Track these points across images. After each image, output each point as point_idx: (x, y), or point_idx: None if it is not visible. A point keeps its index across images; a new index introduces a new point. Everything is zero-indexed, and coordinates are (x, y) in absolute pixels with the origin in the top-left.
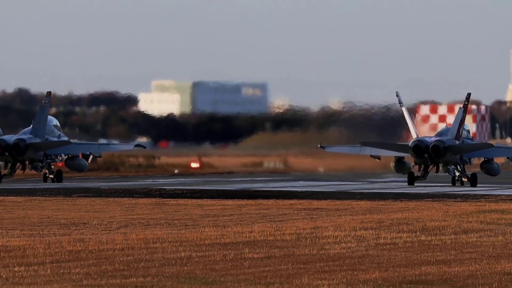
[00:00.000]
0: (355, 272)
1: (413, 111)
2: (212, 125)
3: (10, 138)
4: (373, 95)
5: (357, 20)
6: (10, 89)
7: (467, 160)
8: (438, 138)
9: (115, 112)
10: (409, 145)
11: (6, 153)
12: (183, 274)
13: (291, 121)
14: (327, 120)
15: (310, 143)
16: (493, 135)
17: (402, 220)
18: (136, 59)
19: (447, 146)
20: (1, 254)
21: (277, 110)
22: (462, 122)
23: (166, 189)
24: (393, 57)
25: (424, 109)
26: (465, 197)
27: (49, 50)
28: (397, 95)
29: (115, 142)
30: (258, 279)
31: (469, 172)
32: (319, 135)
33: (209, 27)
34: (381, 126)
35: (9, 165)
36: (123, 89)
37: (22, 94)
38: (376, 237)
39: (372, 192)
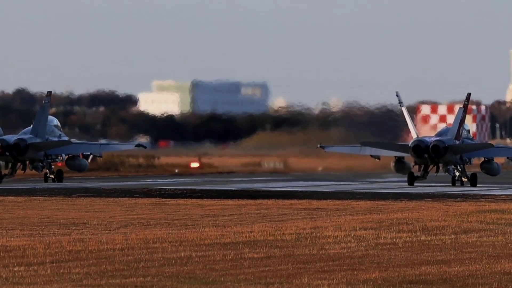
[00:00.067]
0: (355, 272)
1: (413, 111)
2: (212, 125)
3: (11, 138)
4: (373, 95)
5: (357, 20)
6: (10, 89)
7: (467, 160)
8: (438, 138)
9: (115, 112)
10: (409, 145)
11: (7, 153)
12: (183, 274)
13: (291, 121)
14: (327, 120)
15: (310, 143)
16: (493, 135)
17: (402, 220)
18: (136, 59)
19: (447, 146)
20: (1, 254)
21: (277, 110)
22: (462, 122)
23: (166, 189)
24: (393, 57)
25: (424, 109)
26: (465, 197)
27: (49, 50)
28: (397, 95)
29: (115, 142)
30: (258, 279)
31: (469, 172)
32: (319, 135)
33: (209, 27)
34: (381, 126)
35: (10, 165)
36: (123, 89)
37: (22, 94)
38: (376, 237)
39: (372, 192)
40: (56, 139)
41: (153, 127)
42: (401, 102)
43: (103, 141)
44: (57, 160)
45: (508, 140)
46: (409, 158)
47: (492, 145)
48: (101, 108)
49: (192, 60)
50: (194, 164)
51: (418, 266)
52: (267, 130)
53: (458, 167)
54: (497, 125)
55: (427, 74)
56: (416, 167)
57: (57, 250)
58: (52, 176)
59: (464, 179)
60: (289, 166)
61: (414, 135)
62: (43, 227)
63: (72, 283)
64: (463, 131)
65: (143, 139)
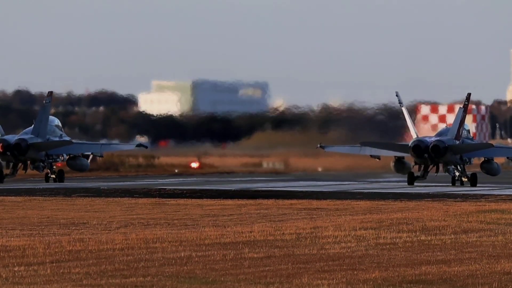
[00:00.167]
0: (355, 272)
1: (413, 111)
2: (212, 125)
3: (12, 138)
4: (373, 95)
5: (357, 20)
6: (9, 89)
7: (467, 160)
8: (438, 138)
9: (115, 112)
10: (409, 145)
11: (8, 153)
12: (183, 274)
13: (291, 121)
14: (327, 120)
15: (310, 143)
16: (493, 135)
17: (402, 220)
18: (136, 59)
19: (447, 146)
20: (1, 254)
21: (277, 110)
22: (462, 122)
23: (166, 189)
24: (393, 57)
25: (424, 109)
26: (465, 197)
27: (49, 50)
28: (397, 95)
29: (115, 142)
30: (258, 279)
31: (469, 172)
32: (319, 135)
33: (209, 27)
34: (381, 126)
35: (11, 165)
36: (123, 89)
37: (22, 94)
38: (376, 237)
39: (372, 192)
40: (57, 139)
41: (153, 127)
42: (401, 102)
43: (103, 141)
44: (58, 160)
45: (508, 140)
46: (409, 158)
47: (492, 145)
48: (101, 108)
49: (192, 60)
50: (194, 164)
51: (418, 266)
52: (267, 130)
53: (458, 167)
54: (497, 125)
55: (427, 74)
56: (416, 167)
57: (57, 250)
58: (53, 176)
59: (464, 179)
60: (289, 166)
61: (414, 135)
62: (43, 227)
63: (72, 283)
64: (463, 131)
65: (143, 139)
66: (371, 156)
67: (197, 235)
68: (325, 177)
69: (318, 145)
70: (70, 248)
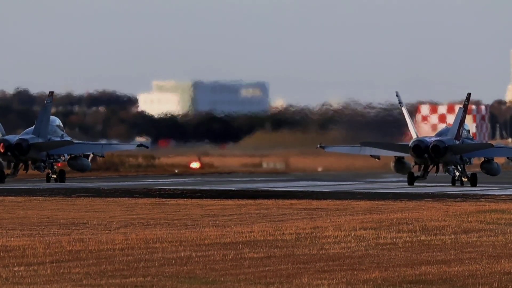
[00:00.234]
0: (355, 272)
1: (413, 111)
2: (212, 125)
3: (13, 138)
4: (373, 95)
5: (357, 20)
6: (9, 89)
7: (467, 160)
8: (438, 138)
9: (115, 112)
10: (409, 145)
11: (9, 153)
12: (183, 274)
13: (291, 121)
14: (327, 120)
15: (310, 143)
16: (493, 135)
17: (402, 220)
18: (136, 59)
19: (447, 146)
20: (1, 254)
21: (277, 110)
22: (462, 122)
23: (166, 189)
24: (393, 57)
25: (424, 109)
26: (465, 197)
27: (49, 50)
28: (397, 95)
29: (115, 142)
30: (258, 279)
31: (469, 172)
32: (319, 135)
33: (209, 27)
34: (381, 126)
35: (12, 165)
36: (123, 89)
37: (22, 95)
38: (376, 237)
39: (372, 192)
40: (58, 139)
41: (153, 127)
42: (401, 102)
43: (102, 141)
44: (59, 160)
45: (508, 140)
46: (409, 158)
47: (492, 145)
48: (101, 108)
49: (192, 60)
50: (195, 164)
51: (418, 266)
52: (267, 130)
53: (458, 167)
54: (497, 125)
55: (427, 74)
56: (416, 167)
57: (57, 250)
58: (55, 176)
59: (464, 179)
60: (289, 166)
61: (414, 135)
62: (43, 227)
63: (72, 283)
64: (463, 131)
65: (143, 139)
66: (371, 156)
67: (197, 235)
68: (325, 177)
69: (318, 145)
70: (70, 248)
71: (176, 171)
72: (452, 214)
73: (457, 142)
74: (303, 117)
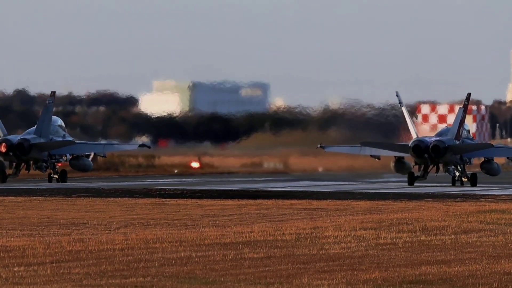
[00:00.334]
0: (355, 272)
1: (413, 111)
2: (212, 125)
3: (15, 138)
4: (373, 95)
5: (357, 20)
6: (9, 89)
7: (467, 160)
8: (438, 138)
9: (115, 112)
10: (409, 145)
11: (11, 153)
12: (183, 274)
13: (291, 121)
14: (327, 120)
15: (310, 143)
16: (493, 135)
17: (402, 220)
18: (136, 59)
19: (447, 146)
20: (1, 254)
21: (277, 110)
22: (462, 122)
23: (166, 189)
24: (393, 57)
25: (424, 109)
26: (465, 197)
27: (49, 50)
28: (397, 95)
29: (115, 142)
30: (258, 279)
31: (469, 172)
32: (319, 135)
33: (209, 27)
34: (381, 126)
35: (14, 165)
36: (123, 89)
37: (22, 95)
38: (376, 237)
39: (372, 192)
40: (60, 139)
41: (153, 127)
42: (401, 102)
43: (103, 141)
44: (61, 160)
45: (508, 140)
46: (409, 158)
47: (492, 145)
48: (102, 108)
49: (192, 60)
50: (195, 164)
51: (418, 266)
52: (267, 130)
53: (458, 167)
54: (497, 125)
55: (427, 74)
56: (416, 167)
57: (57, 250)
58: (56, 176)
59: (464, 179)
60: (289, 166)
61: (414, 135)
62: (43, 227)
63: (72, 283)
64: (463, 131)
65: (144, 139)
66: (371, 156)
67: (197, 235)
68: (325, 177)
69: (318, 145)
70: (70, 248)
71: (176, 171)
72: (452, 214)
73: (457, 142)
74: (303, 117)
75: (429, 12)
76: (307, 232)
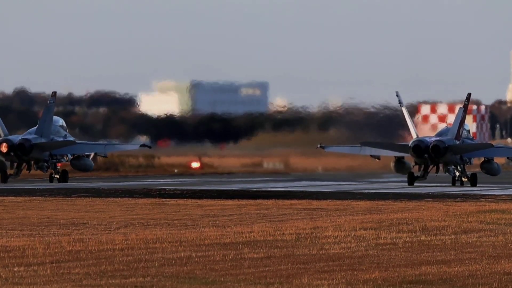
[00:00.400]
0: (355, 272)
1: (413, 111)
2: (212, 125)
3: (16, 138)
4: (373, 95)
5: (357, 20)
6: (9, 89)
7: (467, 160)
8: (438, 138)
9: (115, 112)
10: (409, 145)
11: (12, 153)
12: (183, 274)
13: (291, 121)
14: (327, 120)
15: (310, 143)
16: (493, 135)
17: (402, 220)
18: (136, 59)
19: (447, 146)
20: (1, 254)
21: (277, 110)
22: (462, 122)
23: (166, 189)
24: (393, 57)
25: (424, 109)
26: (465, 197)
27: (49, 50)
28: (397, 95)
29: (119, 142)
30: (258, 279)
31: (469, 172)
32: (319, 135)
33: (209, 27)
34: (381, 126)
35: (15, 165)
36: (123, 90)
37: (21, 95)
38: (376, 237)
39: (372, 192)
40: (61, 139)
41: (153, 127)
42: (401, 102)
43: (102, 141)
44: (62, 160)
45: (508, 140)
46: (409, 158)
47: (492, 145)
48: (102, 109)
49: (191, 60)
50: (195, 164)
51: (418, 266)
52: (267, 130)
53: (458, 167)
54: (497, 125)
55: (427, 74)
56: (416, 167)
57: (57, 250)
58: (57, 176)
59: (464, 179)
60: (289, 166)
61: (414, 135)
62: (43, 227)
63: (72, 283)
64: (463, 131)
65: (144, 139)
66: (371, 156)
67: (197, 236)
68: (325, 177)
69: (318, 145)
70: (70, 248)
71: (176, 171)
72: (452, 214)
73: (457, 142)
74: (303, 117)
75: (429, 12)
76: (307, 232)
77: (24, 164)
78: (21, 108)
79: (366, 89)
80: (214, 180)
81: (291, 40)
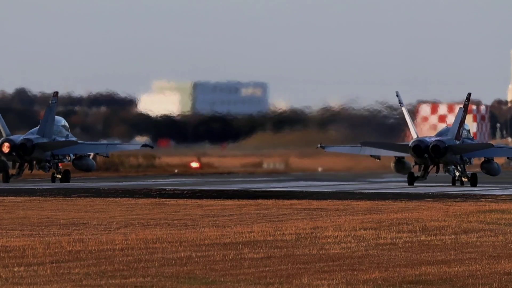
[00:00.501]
0: (355, 272)
1: (413, 111)
2: (212, 125)
3: (17, 138)
4: (373, 95)
5: (357, 20)
6: (9, 89)
7: (467, 160)
8: (438, 138)
9: (115, 112)
10: (409, 145)
11: (13, 153)
12: (183, 274)
13: (291, 121)
14: (327, 120)
15: (310, 143)
16: (493, 135)
17: (402, 220)
18: (136, 59)
19: (447, 146)
20: (1, 254)
21: (277, 110)
22: (462, 122)
23: (166, 189)
24: (393, 57)
25: (424, 109)
26: (465, 197)
27: (50, 50)
28: (397, 95)
29: (121, 142)
30: (258, 279)
31: (469, 172)
32: (319, 135)
33: (209, 27)
34: (381, 126)
35: (17, 165)
36: (123, 90)
37: (22, 95)
38: (376, 237)
39: (372, 192)
40: (63, 139)
41: (153, 127)
42: (401, 102)
43: (105, 141)
44: (64, 160)
45: (508, 140)
46: (409, 158)
47: (492, 145)
48: (102, 109)
49: (192, 60)
50: (194, 164)
51: (418, 266)
52: (267, 130)
53: (458, 167)
54: (498, 125)
55: (427, 74)
56: (416, 167)
57: (57, 250)
58: (59, 176)
59: (464, 179)
60: (289, 166)
61: (414, 135)
62: (43, 227)
63: (72, 283)
64: (463, 131)
65: (144, 139)
66: (371, 156)
67: (197, 236)
68: (325, 177)
69: (318, 145)
70: (70, 248)
71: (176, 171)
72: (452, 214)
73: (457, 142)
74: (303, 117)
75: (429, 12)
76: (307, 232)
77: (26, 164)
78: (22, 108)
79: (366, 89)
80: (214, 180)
81: (292, 40)
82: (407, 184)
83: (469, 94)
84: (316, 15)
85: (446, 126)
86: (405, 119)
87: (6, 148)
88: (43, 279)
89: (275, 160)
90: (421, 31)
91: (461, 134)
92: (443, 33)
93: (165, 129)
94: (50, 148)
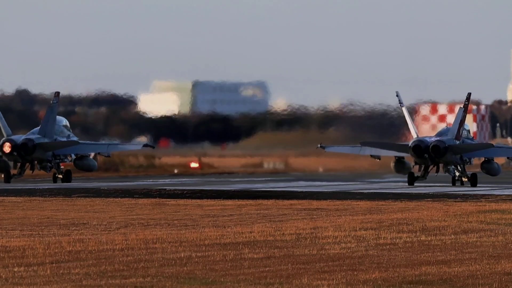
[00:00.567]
0: (355, 272)
1: (413, 111)
2: (212, 125)
3: (19, 138)
4: (373, 95)
5: (357, 20)
6: (9, 89)
7: (467, 160)
8: (438, 138)
9: (115, 112)
10: (409, 145)
11: (15, 153)
12: (183, 274)
13: (291, 121)
14: (327, 120)
15: (310, 143)
16: (493, 135)
17: (402, 220)
18: (136, 59)
19: (447, 146)
20: (1, 255)
21: (277, 110)
22: (462, 122)
23: (166, 189)
24: (393, 57)
25: (424, 109)
26: (465, 197)
27: (50, 50)
28: (397, 95)
29: (122, 142)
30: (258, 279)
31: (469, 172)
32: (319, 135)
33: (209, 27)
34: (381, 126)
35: (18, 165)
36: (123, 89)
37: (22, 95)
38: (376, 237)
39: (372, 192)
40: (65, 139)
41: (153, 127)
42: (401, 102)
43: (105, 141)
44: (65, 160)
45: (508, 140)
46: (409, 158)
47: (492, 145)
48: (102, 109)
49: (192, 60)
50: (194, 164)
51: (418, 266)
52: (267, 130)
53: (458, 167)
54: (498, 125)
55: (427, 74)
56: (416, 167)
57: (57, 250)
58: (60, 176)
59: (464, 179)
60: (289, 166)
61: (414, 135)
62: (43, 227)
63: (72, 283)
64: (463, 131)
65: (144, 139)
66: (371, 156)
67: (197, 236)
68: (325, 177)
69: (319, 145)
70: (70, 248)
71: (176, 171)
72: (452, 214)
73: (457, 142)
74: (303, 117)
75: (429, 12)
76: (307, 232)
77: (28, 164)
78: (22, 108)
79: (366, 89)
80: (214, 180)
81: (291, 40)
82: (407, 184)
83: (469, 94)
84: (316, 15)
85: (446, 126)
86: (405, 119)
87: (7, 148)
88: (43, 279)
89: (275, 160)
90: (421, 31)
91: (461, 134)
92: (443, 33)
93: (165, 129)
94: (51, 148)
